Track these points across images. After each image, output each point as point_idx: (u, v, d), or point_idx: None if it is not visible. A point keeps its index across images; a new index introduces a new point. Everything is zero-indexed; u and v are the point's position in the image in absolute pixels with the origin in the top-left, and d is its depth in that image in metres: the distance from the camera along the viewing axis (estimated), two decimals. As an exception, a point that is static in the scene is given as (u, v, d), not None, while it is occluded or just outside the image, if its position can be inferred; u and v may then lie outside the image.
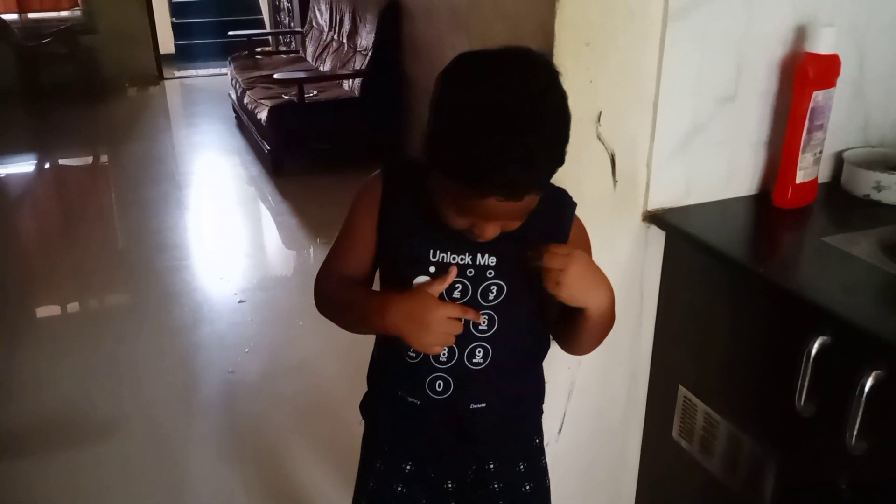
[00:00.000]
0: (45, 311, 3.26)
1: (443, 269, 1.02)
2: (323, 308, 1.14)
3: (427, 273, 1.02)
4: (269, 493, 2.06)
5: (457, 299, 1.03)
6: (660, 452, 1.49)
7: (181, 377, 2.61)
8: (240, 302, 3.13)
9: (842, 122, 1.40)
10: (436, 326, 0.99)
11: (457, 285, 1.03)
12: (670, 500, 1.51)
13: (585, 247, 1.11)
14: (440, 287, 1.01)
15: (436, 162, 0.92)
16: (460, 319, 1.01)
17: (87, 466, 2.16)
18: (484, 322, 1.04)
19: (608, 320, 1.07)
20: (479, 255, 1.02)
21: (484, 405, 1.09)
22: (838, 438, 1.01)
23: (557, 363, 1.33)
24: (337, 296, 1.12)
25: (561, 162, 0.91)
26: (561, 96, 0.90)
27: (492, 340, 1.05)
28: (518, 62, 0.90)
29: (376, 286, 1.12)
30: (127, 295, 3.37)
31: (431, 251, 1.02)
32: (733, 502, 1.29)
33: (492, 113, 0.85)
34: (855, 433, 0.99)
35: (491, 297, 1.03)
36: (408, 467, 1.16)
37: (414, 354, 1.06)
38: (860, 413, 0.98)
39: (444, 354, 1.05)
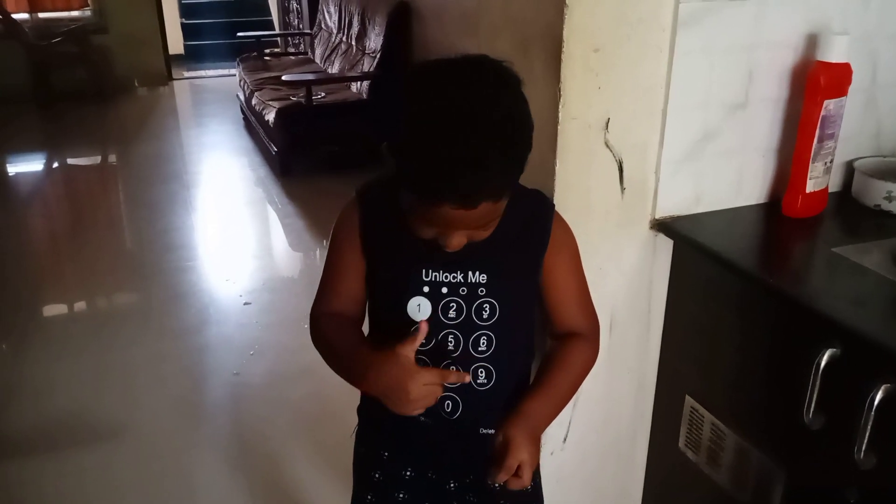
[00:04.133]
0: (53, 311, 3.27)
1: (435, 288, 1.02)
2: (318, 349, 1.13)
3: (421, 293, 1.03)
4: (273, 498, 2.06)
5: (453, 318, 1.03)
6: (666, 463, 1.47)
7: (187, 379, 2.62)
8: (245, 304, 3.12)
9: (853, 131, 1.38)
10: (414, 395, 0.98)
11: (451, 304, 1.03)
12: (676, 510, 1.49)
13: (571, 248, 1.11)
14: (415, 346, 0.99)
15: (398, 172, 0.92)
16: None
17: (94, 468, 2.17)
18: (483, 343, 1.04)
19: (565, 400, 1.10)
20: (469, 273, 1.02)
21: (492, 431, 1.06)
22: (847, 452, 1.00)
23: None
24: (327, 346, 1.11)
25: (518, 169, 0.91)
26: (514, 103, 0.90)
27: (493, 360, 1.05)
28: (470, 71, 0.90)
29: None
30: (134, 295, 3.38)
31: (423, 271, 1.02)
32: (740, 514, 1.28)
33: (440, 122, 0.85)
34: (864, 447, 0.98)
35: (485, 315, 1.03)
36: (408, 473, 1.15)
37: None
38: (869, 426, 0.96)
39: None
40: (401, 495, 1.17)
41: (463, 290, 1.03)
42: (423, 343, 1.03)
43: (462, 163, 0.85)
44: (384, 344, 1.04)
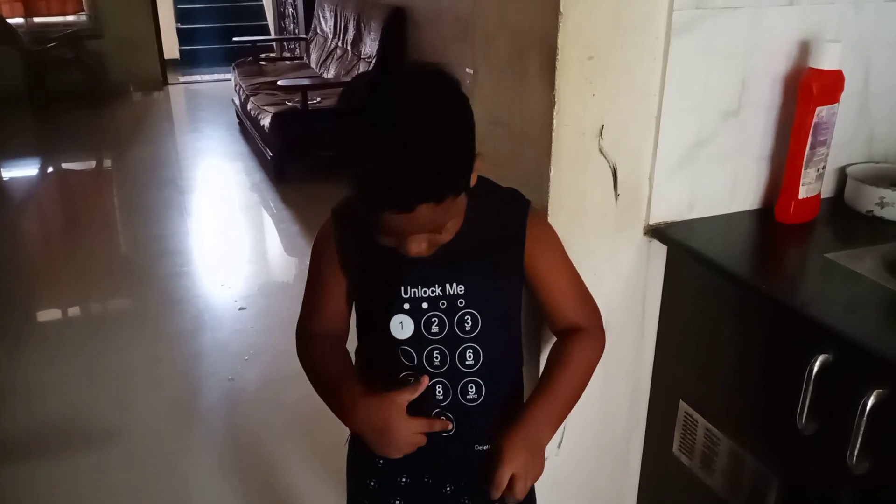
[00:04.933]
0: (47, 315, 3.27)
1: (416, 304, 1.02)
2: (304, 369, 1.13)
3: (402, 311, 1.02)
4: (267, 500, 2.06)
5: (435, 334, 1.02)
6: (660, 468, 1.48)
7: (181, 384, 2.61)
8: (240, 309, 3.12)
9: (846, 138, 1.39)
10: (398, 442, 1.01)
11: (433, 319, 1.02)
12: (670, 516, 1.50)
13: (551, 242, 1.10)
14: (411, 397, 1.01)
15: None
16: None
17: (88, 471, 2.16)
18: (470, 356, 1.04)
19: (572, 402, 1.09)
20: (447, 286, 1.01)
21: (486, 448, 1.07)
22: (839, 457, 1.00)
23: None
24: (313, 372, 1.11)
25: (455, 170, 0.90)
26: (446, 105, 0.89)
27: (482, 374, 1.05)
28: (400, 75, 0.91)
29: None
30: (129, 300, 3.37)
31: (402, 288, 1.02)
32: (734, 519, 1.28)
33: (365, 129, 0.86)
34: (856, 452, 0.98)
35: (468, 327, 1.02)
36: (403, 479, 1.15)
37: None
38: (861, 432, 0.97)
39: (439, 392, 1.05)
40: (397, 502, 1.16)
41: (443, 304, 1.02)
42: (408, 361, 1.04)
43: (387, 167, 0.85)
44: (373, 380, 1.06)
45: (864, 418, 0.96)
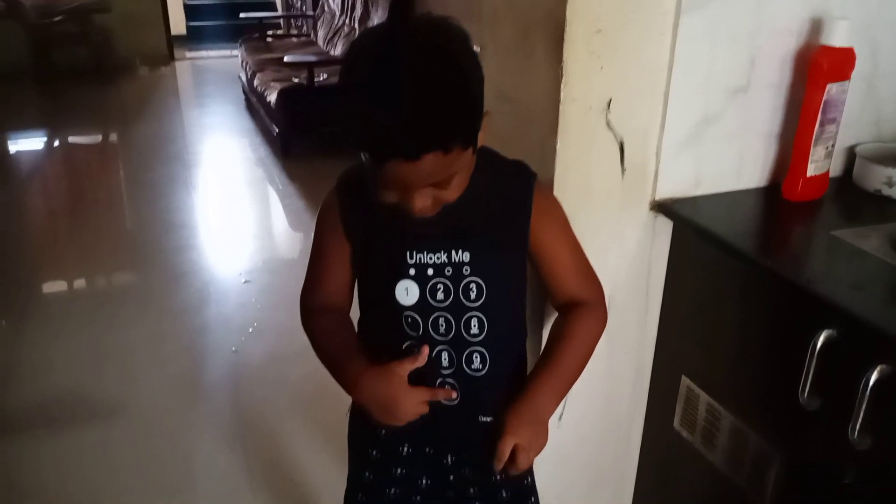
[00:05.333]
0: (52, 290, 3.28)
1: (421, 270, 1.01)
2: (309, 340, 1.13)
3: (408, 276, 1.02)
4: (271, 476, 2.08)
5: (441, 301, 1.03)
6: (661, 443, 1.49)
7: (186, 358, 2.63)
8: (245, 282, 3.14)
9: (854, 117, 1.38)
10: (401, 412, 1.02)
11: (438, 286, 1.02)
12: (671, 490, 1.51)
13: (556, 215, 1.09)
14: (412, 367, 1.03)
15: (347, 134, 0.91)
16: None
17: (92, 446, 2.18)
18: (475, 325, 1.04)
19: (574, 377, 1.09)
20: (453, 252, 1.01)
21: (490, 419, 1.08)
22: (842, 433, 1.01)
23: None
24: (318, 344, 1.12)
25: (462, 118, 0.88)
26: (452, 52, 0.87)
27: (486, 344, 1.05)
28: (406, 25, 0.90)
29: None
30: (134, 274, 3.39)
31: (408, 253, 1.01)
32: (734, 493, 1.29)
33: (371, 74, 0.85)
34: (858, 427, 0.99)
35: (473, 296, 1.02)
36: (405, 449, 1.16)
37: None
38: (864, 407, 0.97)
39: (445, 360, 1.05)
40: (398, 471, 1.17)
41: (448, 271, 1.02)
42: (413, 329, 1.04)
43: (394, 111, 0.83)
44: (377, 347, 1.07)
45: (867, 394, 0.96)
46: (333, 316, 1.12)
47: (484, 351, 1.05)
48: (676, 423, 1.41)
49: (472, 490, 1.16)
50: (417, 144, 0.85)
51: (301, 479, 2.06)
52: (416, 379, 1.04)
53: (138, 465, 2.11)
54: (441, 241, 1.01)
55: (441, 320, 1.04)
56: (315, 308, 1.13)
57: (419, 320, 1.04)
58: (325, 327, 1.12)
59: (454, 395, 1.06)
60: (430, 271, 1.02)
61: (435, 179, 0.91)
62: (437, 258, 1.01)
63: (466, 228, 1.00)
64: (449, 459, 1.15)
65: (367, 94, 0.85)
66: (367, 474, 1.19)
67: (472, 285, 1.02)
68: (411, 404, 1.03)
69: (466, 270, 1.02)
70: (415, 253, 1.01)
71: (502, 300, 1.05)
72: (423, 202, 0.93)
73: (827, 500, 1.11)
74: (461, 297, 1.03)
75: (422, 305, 1.03)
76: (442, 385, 1.06)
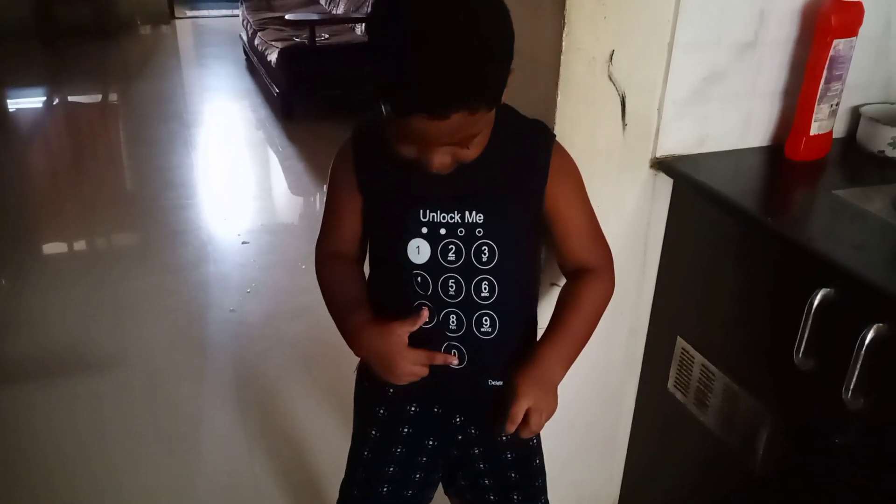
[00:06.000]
0: (51, 246, 3.26)
1: (434, 229, 1.00)
2: (320, 288, 1.13)
3: (420, 235, 1.00)
4: (267, 432, 2.08)
5: (452, 261, 1.01)
6: (654, 404, 1.48)
7: (183, 314, 2.62)
8: (244, 243, 3.12)
9: (863, 80, 1.36)
10: (400, 371, 1.03)
11: (450, 247, 1.01)
12: (664, 451, 1.51)
13: (573, 177, 1.07)
14: (412, 328, 1.02)
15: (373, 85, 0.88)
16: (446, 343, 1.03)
17: (87, 398, 2.18)
18: (485, 288, 1.02)
19: (583, 342, 1.08)
20: (466, 213, 0.99)
21: (500, 383, 1.08)
22: (835, 393, 1.00)
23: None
24: (327, 292, 1.11)
25: (494, 79, 0.86)
26: (488, 9, 0.84)
27: (496, 307, 1.04)
28: None
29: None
30: (132, 232, 3.37)
31: (421, 211, 1.00)
32: (726, 455, 1.29)
33: (405, 27, 0.82)
34: (852, 387, 0.98)
35: (484, 258, 1.01)
36: (413, 408, 1.15)
37: (427, 321, 1.04)
38: (859, 367, 0.96)
39: (453, 323, 1.04)
40: (405, 430, 1.16)
41: (461, 231, 1.00)
42: (423, 289, 1.03)
43: (428, 68, 0.80)
44: (386, 305, 1.06)
45: (863, 352, 0.95)
46: (344, 265, 1.11)
47: (494, 314, 1.04)
48: (670, 384, 1.40)
49: (476, 450, 1.16)
50: (448, 102, 0.83)
51: (297, 434, 2.07)
52: (422, 341, 1.04)
53: (133, 417, 2.12)
54: (455, 201, 0.99)
55: (451, 282, 1.02)
56: (326, 255, 1.13)
57: (429, 280, 1.02)
58: (333, 275, 1.11)
59: (455, 361, 1.05)
60: (443, 231, 1.00)
61: (458, 138, 0.89)
62: (451, 218, 1.00)
63: (481, 190, 0.98)
64: (457, 419, 1.14)
65: (402, 47, 0.82)
66: (373, 432, 1.18)
67: (485, 248, 1.01)
68: (406, 365, 1.03)
69: (479, 232, 1.00)
70: (427, 212, 1.00)
71: (514, 264, 1.04)
72: (441, 159, 0.91)
73: (819, 461, 1.11)
74: (472, 259, 1.01)
75: (432, 265, 1.01)
76: (448, 349, 1.05)
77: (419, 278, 1.02)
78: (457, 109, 0.83)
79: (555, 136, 1.05)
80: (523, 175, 1.02)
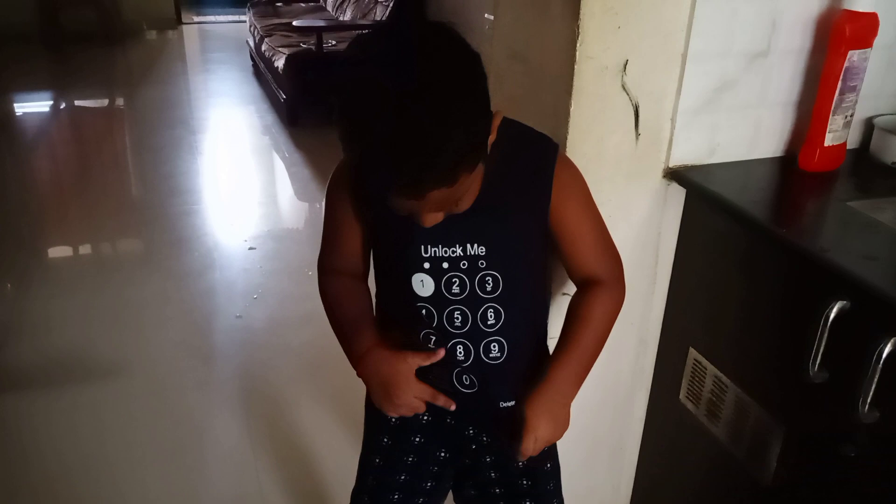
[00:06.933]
0: (56, 252, 3.27)
1: (436, 264, 0.99)
2: (323, 305, 1.12)
3: (422, 270, 0.99)
4: (272, 439, 2.08)
5: (457, 294, 1.00)
6: (665, 415, 1.47)
7: (188, 321, 2.62)
8: (250, 249, 3.12)
9: (874, 90, 1.35)
10: (401, 403, 1.03)
11: (454, 280, 1.00)
12: (673, 463, 1.50)
13: (579, 189, 1.04)
14: (423, 363, 1.02)
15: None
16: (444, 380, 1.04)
17: (93, 404, 2.18)
18: (492, 316, 1.02)
19: (594, 358, 1.08)
20: (468, 246, 0.98)
21: (513, 403, 1.07)
22: (849, 406, 0.99)
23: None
24: (331, 310, 1.11)
25: (468, 152, 0.82)
26: (453, 79, 0.79)
27: (503, 333, 1.03)
28: (399, 48, 0.80)
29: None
30: (138, 238, 3.37)
31: (422, 248, 0.98)
32: (736, 466, 1.28)
33: (364, 113, 0.79)
34: (868, 401, 0.97)
35: (489, 288, 1.00)
36: (425, 418, 1.14)
37: (439, 346, 1.03)
38: (875, 380, 0.95)
39: (461, 353, 1.03)
40: (417, 439, 1.16)
41: (464, 264, 0.99)
42: (428, 320, 1.02)
43: (395, 155, 0.77)
44: (391, 329, 1.06)
45: (880, 365, 0.94)
46: (348, 281, 1.10)
47: (502, 339, 1.03)
48: (682, 395, 1.39)
49: (487, 458, 1.15)
50: (421, 190, 0.81)
51: (302, 443, 2.06)
52: (431, 369, 1.04)
53: (139, 425, 2.11)
54: (456, 234, 0.97)
55: (457, 313, 1.01)
56: (330, 271, 1.11)
57: (434, 312, 1.01)
58: (337, 293, 1.10)
59: (452, 408, 1.06)
60: (446, 265, 0.99)
61: (444, 207, 0.88)
62: (452, 252, 0.98)
63: (482, 218, 0.96)
64: (470, 431, 1.14)
65: (365, 133, 0.79)
66: (384, 440, 1.17)
67: (489, 278, 1.00)
68: (408, 397, 1.03)
69: (482, 264, 0.99)
70: (429, 247, 0.98)
71: (519, 289, 1.02)
72: (435, 218, 0.90)
73: (830, 474, 1.10)
74: (477, 289, 1.00)
75: (437, 298, 1.00)
76: (459, 376, 1.05)
77: (424, 311, 1.01)
78: (432, 189, 0.81)
79: (557, 147, 1.03)
80: (525, 196, 1.00)
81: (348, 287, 1.10)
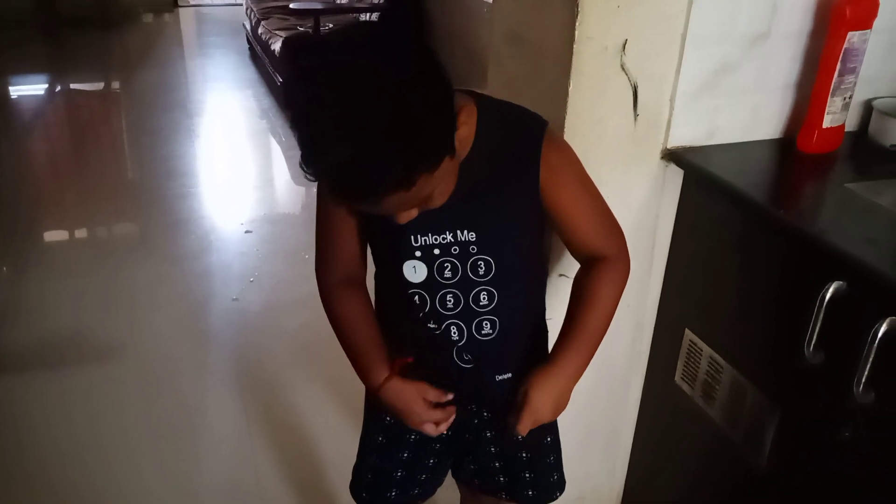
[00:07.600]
0: (52, 235, 3.26)
1: (427, 251, 0.99)
2: (329, 319, 1.11)
3: (414, 257, 0.99)
4: (268, 423, 2.08)
5: (449, 278, 1.00)
6: (660, 397, 1.48)
7: (185, 304, 2.62)
8: (246, 232, 3.12)
9: (874, 73, 1.35)
10: (410, 423, 1.08)
11: (446, 265, 0.99)
12: (668, 447, 1.50)
13: (569, 165, 1.01)
14: (438, 400, 1.07)
15: None
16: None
17: (89, 386, 2.18)
18: (484, 298, 1.01)
19: (601, 338, 1.08)
20: (458, 232, 0.98)
21: (510, 375, 1.08)
22: (845, 387, 0.99)
23: (560, 305, 1.31)
24: (340, 330, 1.10)
25: (419, 157, 0.79)
26: (400, 83, 0.76)
27: (495, 312, 1.03)
28: (345, 62, 0.79)
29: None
30: (134, 221, 3.37)
31: (412, 237, 0.98)
32: (732, 448, 1.28)
33: (313, 125, 0.78)
34: (863, 382, 0.97)
35: (481, 272, 1.00)
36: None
37: (434, 326, 1.03)
38: (871, 361, 0.96)
39: (454, 333, 1.03)
40: None
41: (455, 250, 0.99)
42: (422, 305, 1.02)
43: (344, 165, 0.76)
44: (391, 315, 1.09)
45: (875, 346, 0.94)
46: (350, 291, 1.09)
47: (494, 318, 1.03)
48: (677, 377, 1.39)
49: (488, 433, 1.16)
50: (377, 197, 0.80)
51: (298, 426, 2.07)
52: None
53: (134, 408, 2.11)
54: (445, 221, 0.97)
55: (449, 297, 1.01)
56: (332, 284, 1.09)
57: (427, 297, 1.01)
58: (345, 315, 1.09)
59: (453, 417, 1.09)
60: (437, 251, 0.99)
61: (410, 206, 0.87)
62: (443, 238, 0.98)
63: (471, 204, 0.95)
64: (472, 407, 1.14)
65: (314, 148, 0.78)
66: (387, 419, 1.18)
67: (480, 262, 0.99)
68: (420, 422, 1.07)
69: (473, 249, 0.99)
70: (419, 237, 0.98)
71: (513, 270, 1.02)
72: (408, 215, 0.89)
73: (825, 455, 1.11)
74: (469, 273, 1.00)
75: (430, 283, 1.00)
76: (459, 353, 1.05)
77: (417, 297, 1.02)
78: (386, 195, 0.79)
79: (545, 125, 0.99)
80: (513, 178, 0.98)
81: (354, 312, 1.09)
